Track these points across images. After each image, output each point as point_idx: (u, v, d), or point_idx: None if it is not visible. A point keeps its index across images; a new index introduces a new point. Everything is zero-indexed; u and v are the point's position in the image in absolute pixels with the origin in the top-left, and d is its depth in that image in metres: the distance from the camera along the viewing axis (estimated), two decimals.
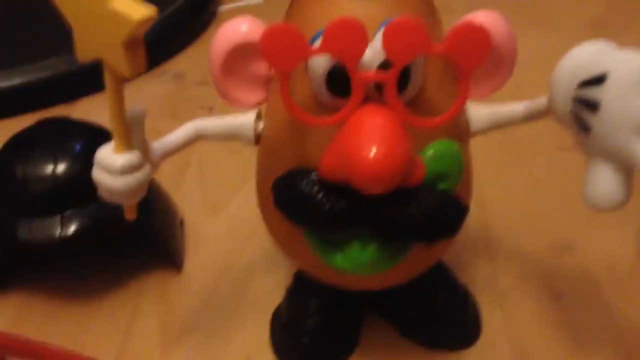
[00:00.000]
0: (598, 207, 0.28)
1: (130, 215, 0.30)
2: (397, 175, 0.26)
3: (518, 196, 0.49)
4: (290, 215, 0.30)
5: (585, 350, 0.37)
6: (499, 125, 0.33)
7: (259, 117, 0.34)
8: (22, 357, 0.37)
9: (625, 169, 0.27)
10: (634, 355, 0.36)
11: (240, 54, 0.31)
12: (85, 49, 0.25)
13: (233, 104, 0.32)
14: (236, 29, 0.31)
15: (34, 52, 0.65)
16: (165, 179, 0.51)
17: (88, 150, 0.39)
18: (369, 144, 0.26)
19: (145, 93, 0.66)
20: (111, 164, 0.28)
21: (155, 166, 0.30)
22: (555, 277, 0.42)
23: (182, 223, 0.47)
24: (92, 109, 0.64)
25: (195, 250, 0.46)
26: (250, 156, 0.34)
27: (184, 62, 0.72)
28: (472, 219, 0.47)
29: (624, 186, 0.27)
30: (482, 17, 0.30)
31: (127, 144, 0.28)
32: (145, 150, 0.29)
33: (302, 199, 0.29)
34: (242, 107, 0.33)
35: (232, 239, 0.46)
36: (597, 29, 0.72)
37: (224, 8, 0.83)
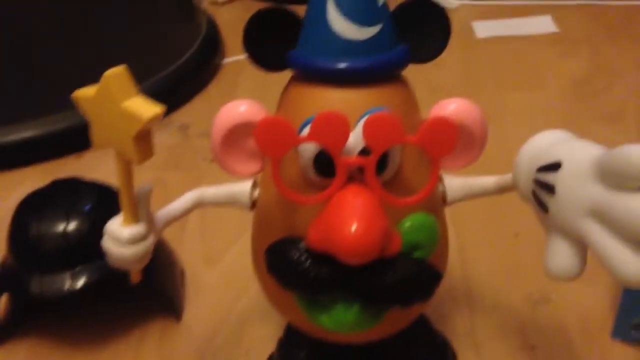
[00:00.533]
0: (555, 277, 0.31)
1: (135, 279, 0.34)
2: (374, 249, 0.29)
3: (498, 250, 0.52)
4: (280, 280, 0.33)
5: None
6: (472, 196, 0.37)
7: (254, 185, 0.37)
8: None
9: (579, 244, 0.30)
10: None
11: (239, 131, 0.34)
12: (100, 139, 0.29)
13: (232, 174, 0.36)
14: (235, 109, 0.34)
15: (43, 106, 0.69)
16: (168, 230, 0.54)
17: (98, 209, 0.44)
18: (350, 221, 0.29)
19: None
20: (119, 236, 0.31)
21: (158, 234, 0.34)
22: (530, 329, 0.45)
23: (182, 273, 0.50)
24: (99, 161, 0.67)
25: (194, 299, 0.49)
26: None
27: (189, 114, 0.76)
28: (455, 271, 0.50)
29: (579, 260, 0.30)
30: (455, 105, 0.33)
31: (134, 217, 0.31)
32: (150, 221, 0.32)
33: (291, 266, 0.32)
34: (240, 177, 0.36)
35: (229, 289, 0.49)
36: (580, 87, 0.76)
37: (227, 60, 0.87)
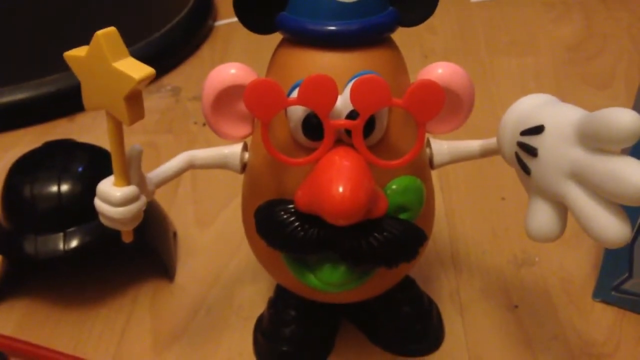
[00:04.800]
0: (536, 239, 0.32)
1: (127, 238, 0.34)
2: (360, 210, 0.30)
3: (485, 214, 0.53)
4: (268, 241, 0.34)
5: (535, 356, 0.41)
6: (458, 160, 0.38)
7: (245, 148, 0.38)
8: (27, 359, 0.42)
9: (560, 206, 0.31)
10: None
11: (229, 94, 0.34)
12: (91, 100, 0.29)
13: (222, 137, 0.36)
14: (225, 72, 0.34)
15: (35, 69, 0.69)
16: (160, 193, 0.55)
17: (90, 171, 0.44)
18: (337, 182, 0.30)
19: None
20: (111, 197, 0.31)
21: (150, 195, 0.34)
22: (513, 290, 0.46)
23: (175, 235, 0.51)
24: (91, 123, 0.68)
25: (186, 261, 0.50)
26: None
27: (181, 76, 0.76)
28: (442, 235, 0.51)
29: (559, 221, 0.31)
30: (442, 69, 0.34)
31: (126, 179, 0.32)
32: (141, 182, 0.33)
33: (279, 227, 0.33)
34: (230, 140, 0.36)
35: (220, 251, 0.50)
36: (572, 53, 0.76)
37: (220, 23, 0.86)
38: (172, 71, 0.76)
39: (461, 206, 0.54)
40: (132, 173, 0.32)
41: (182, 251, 0.51)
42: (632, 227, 0.39)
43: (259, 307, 0.44)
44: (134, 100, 0.29)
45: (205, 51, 0.81)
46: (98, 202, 0.32)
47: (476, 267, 0.48)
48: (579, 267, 0.47)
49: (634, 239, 0.40)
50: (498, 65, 0.74)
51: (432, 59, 0.75)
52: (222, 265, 0.49)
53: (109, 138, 0.31)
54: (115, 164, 0.31)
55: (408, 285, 0.43)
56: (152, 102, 0.71)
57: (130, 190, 0.32)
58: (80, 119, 0.68)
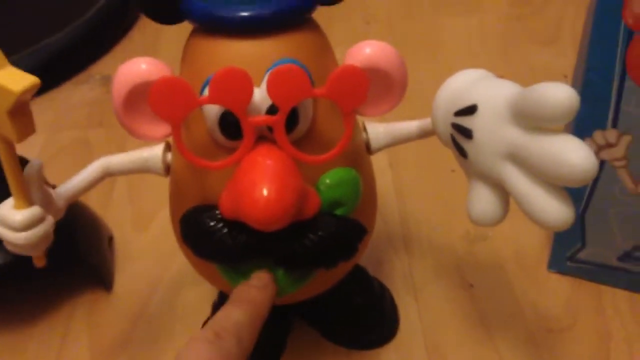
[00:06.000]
0: (478, 222, 0.30)
1: (39, 263, 0.31)
2: (288, 213, 0.27)
3: (436, 188, 0.51)
4: (196, 251, 0.31)
5: (493, 336, 0.40)
6: (397, 142, 0.35)
7: (167, 148, 0.35)
8: None
9: (501, 189, 0.29)
10: (538, 337, 0.39)
11: (141, 92, 0.31)
12: None
13: (140, 139, 0.33)
14: (135, 68, 0.31)
15: None
16: (93, 196, 0.51)
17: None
18: (260, 185, 0.27)
19: (72, 100, 0.65)
20: (11, 221, 0.28)
21: (59, 213, 0.31)
22: (467, 268, 0.45)
23: (111, 240, 0.48)
24: None
25: (124, 267, 0.47)
26: None
27: (111, 64, 0.71)
28: (392, 215, 0.49)
29: (501, 204, 0.29)
30: (370, 48, 0.31)
31: (26, 200, 0.28)
32: (47, 201, 0.30)
33: (206, 236, 0.30)
34: (150, 141, 0.33)
35: (160, 254, 0.47)
36: (516, 8, 0.74)
37: None
38: (100, 59, 0.72)
39: (411, 182, 0.52)
40: (33, 193, 0.29)
41: (120, 256, 0.48)
42: (581, 198, 0.38)
43: (205, 312, 0.42)
44: (20, 114, 0.25)
45: (136, 35, 0.76)
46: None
47: (428, 246, 0.47)
48: (532, 239, 0.46)
49: (585, 209, 0.39)
50: (443, 27, 0.72)
51: (375, 26, 0.73)
52: (162, 269, 0.46)
53: (1, 159, 0.27)
54: (12, 185, 0.28)
55: (357, 275, 0.41)
56: (80, 94, 0.66)
57: (32, 212, 0.28)
58: None
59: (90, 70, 0.70)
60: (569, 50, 0.66)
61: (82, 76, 0.69)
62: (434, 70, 0.62)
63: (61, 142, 0.59)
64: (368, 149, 0.35)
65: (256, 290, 0.30)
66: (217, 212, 0.30)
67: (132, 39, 0.75)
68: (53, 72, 0.67)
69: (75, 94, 0.66)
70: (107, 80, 0.68)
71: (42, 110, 0.62)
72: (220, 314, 0.29)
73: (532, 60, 0.64)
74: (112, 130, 0.61)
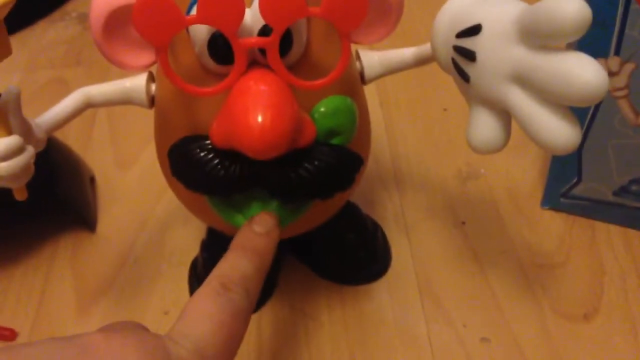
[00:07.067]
0: (478, 150, 0.29)
1: (20, 196, 0.30)
2: (284, 140, 0.26)
3: (427, 127, 0.50)
4: (186, 184, 0.30)
5: (485, 272, 0.40)
6: (391, 71, 0.34)
7: (151, 79, 0.33)
8: None
9: (503, 114, 0.28)
10: (530, 273, 0.39)
11: (121, 16, 0.29)
12: None
13: (121, 68, 0.31)
14: None
15: None
16: (73, 135, 0.49)
17: None
18: (254, 111, 0.26)
19: (48, 39, 0.62)
20: None
21: (40, 144, 0.29)
22: (460, 206, 0.44)
23: (92, 180, 0.46)
24: None
25: (108, 208, 0.45)
26: None
27: (87, 1, 0.68)
28: (383, 154, 0.48)
29: (503, 131, 0.28)
30: None
31: (5, 128, 0.27)
32: (26, 130, 0.28)
33: (197, 167, 0.29)
34: (132, 70, 0.31)
35: (145, 193, 0.46)
36: None
37: None
38: None
39: (402, 121, 0.51)
40: (11, 120, 0.27)
41: (103, 197, 0.46)
42: (581, 129, 0.37)
43: (193, 251, 0.41)
44: None
45: None
46: None
47: (420, 185, 0.46)
48: (526, 176, 0.45)
49: (583, 142, 0.38)
50: None
51: None
52: (148, 209, 0.45)
53: None
54: None
55: (350, 211, 0.40)
56: (56, 32, 0.63)
57: (12, 140, 0.27)
58: None
59: (66, 8, 0.67)
60: None
61: (57, 14, 0.66)
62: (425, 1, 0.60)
63: (38, 82, 0.56)
64: (362, 79, 0.34)
65: (260, 239, 0.29)
66: (208, 142, 0.29)
67: None
68: (26, 9, 0.64)
69: (50, 33, 0.63)
70: (83, 18, 0.65)
71: (16, 49, 0.59)
72: (224, 264, 0.27)
73: None
74: (91, 68, 0.58)
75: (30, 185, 0.30)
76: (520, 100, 0.25)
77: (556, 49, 0.24)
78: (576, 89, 0.23)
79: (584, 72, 0.23)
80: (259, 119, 0.25)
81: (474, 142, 0.29)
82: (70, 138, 0.48)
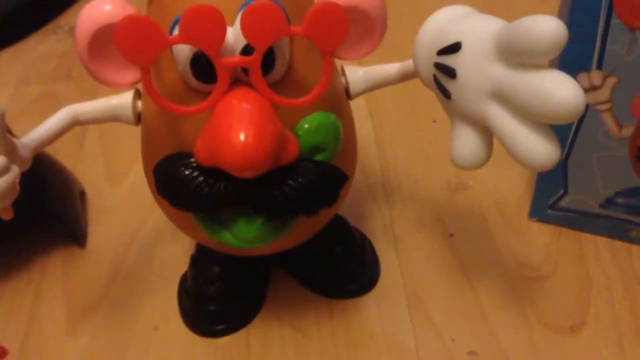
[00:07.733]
0: (460, 165, 0.29)
1: (6, 216, 0.30)
2: (267, 158, 0.26)
3: (416, 138, 0.51)
4: (172, 201, 0.30)
5: (473, 285, 0.40)
6: (376, 86, 0.34)
7: (137, 96, 0.33)
8: None
9: (485, 130, 0.28)
10: (518, 285, 0.39)
11: (106, 35, 0.29)
12: None
13: (107, 85, 0.31)
14: (99, 9, 0.29)
15: None
16: (63, 150, 0.50)
17: None
18: (237, 129, 0.26)
19: (39, 53, 0.63)
20: None
21: (25, 163, 0.30)
22: (448, 217, 0.44)
23: (82, 194, 0.47)
24: None
25: (98, 222, 0.45)
26: None
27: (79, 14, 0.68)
28: (373, 165, 0.49)
29: (484, 147, 0.28)
30: None
31: None
32: (11, 150, 0.28)
33: (182, 185, 0.29)
34: (118, 88, 0.32)
35: (135, 208, 0.46)
36: None
37: None
38: (69, 9, 0.69)
39: (392, 132, 0.51)
40: None
41: (93, 212, 0.46)
42: (564, 144, 0.37)
43: (182, 266, 0.41)
44: None
45: None
46: None
47: (409, 197, 0.46)
48: (513, 188, 0.46)
49: (567, 154, 0.38)
50: None
51: None
52: (138, 223, 0.45)
53: None
54: None
55: (338, 224, 0.40)
56: (48, 46, 0.64)
57: None
58: None
59: (58, 22, 0.67)
60: None
61: (49, 27, 0.66)
62: (413, 14, 0.60)
63: (29, 96, 0.56)
64: (347, 94, 0.34)
65: None
66: (192, 160, 0.29)
67: None
68: (19, 23, 0.64)
69: (42, 46, 0.63)
70: (74, 32, 0.65)
71: (8, 63, 0.60)
72: None
73: (513, 5, 0.63)
74: (82, 83, 0.58)
75: (20, 200, 0.30)
76: (500, 118, 0.26)
77: (534, 67, 0.24)
78: (553, 108, 0.23)
79: (561, 91, 0.23)
80: (242, 137, 0.26)
81: (456, 158, 0.29)
82: (60, 152, 0.48)
